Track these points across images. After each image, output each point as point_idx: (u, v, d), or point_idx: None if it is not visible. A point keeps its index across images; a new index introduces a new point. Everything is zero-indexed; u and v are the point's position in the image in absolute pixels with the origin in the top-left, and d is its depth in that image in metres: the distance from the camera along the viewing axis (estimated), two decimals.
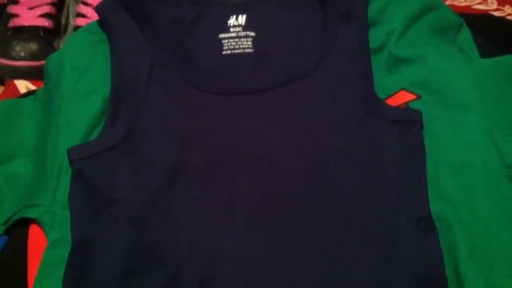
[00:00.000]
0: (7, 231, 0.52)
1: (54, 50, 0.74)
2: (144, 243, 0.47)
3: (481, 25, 0.60)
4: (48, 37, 0.74)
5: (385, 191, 0.49)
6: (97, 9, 0.57)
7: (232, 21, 0.58)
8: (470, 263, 0.46)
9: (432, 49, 0.54)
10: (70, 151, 0.50)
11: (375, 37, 0.56)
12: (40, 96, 0.58)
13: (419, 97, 0.53)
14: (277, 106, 0.53)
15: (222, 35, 0.57)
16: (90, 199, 0.49)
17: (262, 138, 0.51)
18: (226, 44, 0.57)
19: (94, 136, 0.53)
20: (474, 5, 0.77)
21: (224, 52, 0.57)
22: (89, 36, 0.58)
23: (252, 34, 0.57)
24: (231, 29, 0.57)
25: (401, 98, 0.53)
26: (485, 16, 0.70)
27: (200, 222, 0.48)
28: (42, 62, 0.71)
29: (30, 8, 0.74)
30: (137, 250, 0.47)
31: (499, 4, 0.76)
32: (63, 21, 0.78)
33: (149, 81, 0.53)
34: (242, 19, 0.58)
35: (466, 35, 0.57)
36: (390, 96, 0.54)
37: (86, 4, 0.75)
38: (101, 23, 0.57)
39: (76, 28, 0.75)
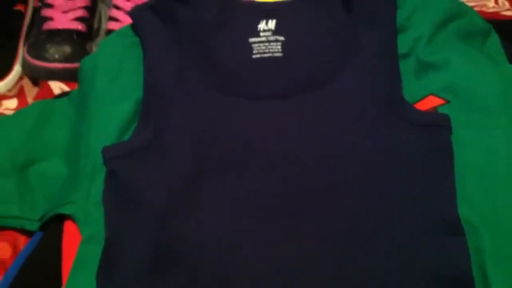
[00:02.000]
0: (42, 228, 0.53)
1: (87, 53, 0.75)
2: (168, 242, 0.49)
3: (509, 30, 0.60)
4: (81, 40, 0.75)
5: (412, 195, 0.49)
6: (130, 13, 0.59)
7: (262, 25, 0.59)
8: (496, 266, 0.46)
9: (458, 55, 0.54)
10: (104, 151, 0.52)
11: (403, 43, 0.56)
12: (74, 98, 0.60)
13: (447, 102, 0.53)
14: (303, 110, 0.54)
15: (252, 39, 0.58)
16: (122, 198, 0.50)
17: (285, 142, 0.52)
18: (256, 48, 0.58)
19: (126, 137, 0.54)
20: (502, 11, 0.77)
21: (254, 56, 0.57)
22: (121, 39, 0.60)
23: (282, 38, 0.58)
24: (261, 34, 0.58)
25: (429, 103, 0.53)
26: None
27: (219, 221, 0.50)
28: (76, 64, 0.73)
29: (64, 12, 0.76)
30: (162, 249, 0.48)
31: None
32: (96, 25, 0.80)
33: (177, 84, 0.55)
34: (272, 23, 0.58)
35: (494, 40, 0.58)
36: (419, 101, 0.54)
37: (118, 8, 0.77)
38: (134, 27, 0.59)
39: (108, 31, 0.76)
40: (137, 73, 0.57)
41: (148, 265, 0.48)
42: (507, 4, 0.79)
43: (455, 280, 0.46)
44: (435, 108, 0.53)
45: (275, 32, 0.58)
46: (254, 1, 0.60)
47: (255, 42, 0.58)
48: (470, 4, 0.81)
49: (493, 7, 0.80)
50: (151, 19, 0.58)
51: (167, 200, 0.50)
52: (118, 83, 0.57)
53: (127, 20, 0.75)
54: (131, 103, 0.55)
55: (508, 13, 0.76)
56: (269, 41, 0.58)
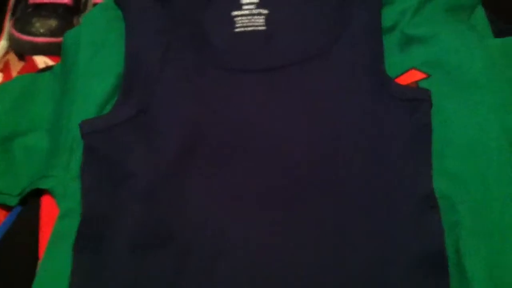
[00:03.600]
0: (20, 202, 0.54)
1: (73, 27, 0.75)
2: (153, 220, 0.48)
3: (496, 3, 0.59)
4: (67, 14, 0.74)
5: (390, 169, 0.49)
6: None
7: None
8: (471, 240, 0.46)
9: (444, 29, 0.53)
10: (81, 125, 0.51)
11: (387, 16, 0.55)
12: (57, 72, 0.59)
13: (428, 76, 0.53)
14: (289, 84, 0.53)
15: (234, 13, 0.57)
16: (101, 173, 0.50)
17: (273, 118, 0.52)
18: (239, 22, 0.57)
19: (107, 110, 0.54)
20: None
21: (236, 30, 0.57)
22: (105, 13, 0.59)
23: (265, 12, 0.57)
24: (244, 7, 0.57)
25: (411, 77, 0.53)
26: None
27: (209, 203, 0.49)
28: (61, 39, 0.72)
29: None
30: (147, 227, 0.48)
31: None
32: None
33: (164, 59, 0.54)
34: None
35: (480, 14, 0.57)
36: (400, 75, 0.53)
37: None
38: (117, 3, 0.58)
39: (95, 5, 0.75)
40: (120, 47, 0.56)
41: (130, 244, 0.48)
42: None
43: (429, 255, 0.46)
44: (416, 82, 0.53)
45: (258, 5, 0.57)
46: None
47: (237, 16, 0.57)
48: None
49: None
50: None
51: (154, 176, 0.50)
52: (100, 57, 0.56)
53: None
54: (113, 78, 0.55)
55: None
56: (252, 15, 0.57)
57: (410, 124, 0.50)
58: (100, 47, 0.56)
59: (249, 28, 0.57)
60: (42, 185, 0.52)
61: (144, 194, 0.49)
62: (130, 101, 0.52)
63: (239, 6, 0.57)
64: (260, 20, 0.57)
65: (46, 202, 0.52)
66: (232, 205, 0.49)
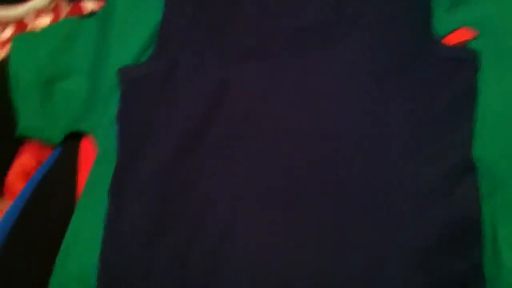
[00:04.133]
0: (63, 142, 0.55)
1: None
2: (164, 204, 0.49)
3: None
4: None
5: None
6: None
7: None
8: (506, 212, 0.44)
9: None
10: (120, 72, 0.53)
11: None
12: (100, 17, 0.59)
13: (478, 35, 0.50)
14: (297, 70, 0.52)
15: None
16: (134, 121, 0.51)
17: (290, 105, 0.51)
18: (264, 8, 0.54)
19: (144, 58, 0.55)
20: None
21: (263, 18, 0.54)
22: None
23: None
24: None
25: (460, 35, 0.50)
26: None
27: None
28: None
29: None
30: (159, 212, 0.49)
31: None
32: None
33: (190, 27, 0.54)
34: None
35: None
36: (449, 33, 0.51)
37: None
38: None
39: None
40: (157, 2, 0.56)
41: (154, 198, 0.49)
42: None
43: (464, 224, 0.45)
44: (465, 42, 0.50)
45: None
46: None
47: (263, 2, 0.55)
48: None
49: None
50: None
51: (170, 151, 0.50)
52: (137, 7, 0.57)
53: None
54: (149, 28, 0.55)
55: None
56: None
57: (454, 87, 0.48)
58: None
59: (275, 17, 0.54)
60: (81, 128, 0.54)
61: (158, 171, 0.50)
62: (162, 56, 0.53)
63: None
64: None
65: (85, 145, 0.54)
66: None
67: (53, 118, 0.55)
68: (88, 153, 0.53)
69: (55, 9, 0.72)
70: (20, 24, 0.69)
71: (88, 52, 0.57)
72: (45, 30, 0.61)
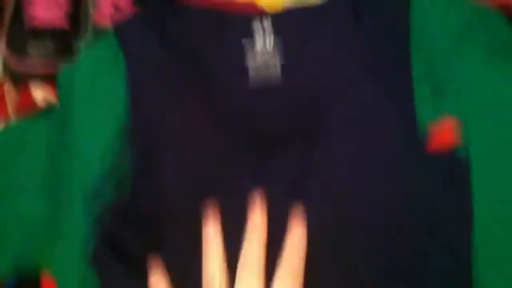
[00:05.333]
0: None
1: (72, 52, 0.69)
2: None
3: None
4: (65, 39, 0.69)
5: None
6: (114, 29, 0.52)
7: (259, 45, 0.51)
8: None
9: (485, 71, 0.47)
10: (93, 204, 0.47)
11: (418, 56, 0.49)
12: (55, 115, 0.54)
13: (468, 127, 0.46)
14: (307, 146, 0.47)
15: (248, 63, 0.51)
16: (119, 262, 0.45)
17: (296, 188, 0.46)
18: (252, 74, 0.50)
19: (114, 173, 0.48)
20: None
21: (250, 84, 0.50)
22: (104, 51, 0.53)
23: (282, 60, 0.51)
24: (258, 57, 0.51)
25: (447, 128, 0.47)
26: None
27: None
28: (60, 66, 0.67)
29: (45, 7, 0.69)
30: None
31: None
32: (82, 17, 0.73)
33: (169, 117, 0.49)
34: (271, 43, 0.51)
35: None
36: (434, 125, 0.47)
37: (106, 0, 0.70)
38: (118, 43, 0.52)
39: (95, 26, 0.70)
40: (122, 93, 0.50)
41: None
42: None
43: None
44: (454, 134, 0.46)
45: (274, 50, 0.51)
46: (250, 15, 0.52)
47: (251, 67, 0.51)
48: None
49: None
50: (138, 33, 0.51)
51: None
52: (99, 105, 0.50)
53: (116, 16, 0.69)
54: (115, 129, 0.49)
55: None
56: (268, 65, 0.51)
57: (443, 192, 0.45)
58: (99, 93, 0.51)
59: (264, 79, 0.50)
60: (38, 261, 0.47)
61: None
62: (139, 162, 0.47)
63: (254, 53, 0.51)
64: (277, 69, 0.50)
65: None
66: None
67: (2, 245, 0.48)
68: None
69: (1, 99, 0.66)
70: None
71: (43, 160, 0.51)
72: None
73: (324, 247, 0.44)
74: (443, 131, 0.46)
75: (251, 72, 0.50)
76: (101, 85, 0.51)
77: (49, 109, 0.56)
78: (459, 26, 0.49)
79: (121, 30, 0.52)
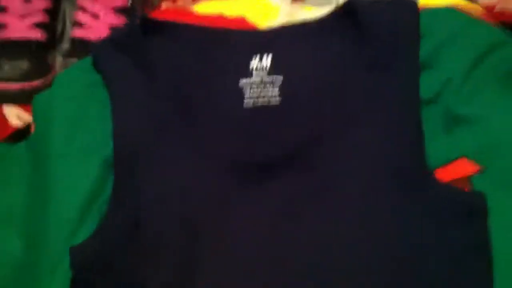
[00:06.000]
0: None
1: (48, 66, 0.65)
2: None
3: None
4: (41, 52, 0.64)
5: None
6: (92, 52, 0.48)
7: (255, 62, 0.48)
8: None
9: (498, 107, 0.43)
10: (72, 253, 0.42)
11: (427, 85, 0.45)
12: (32, 143, 0.49)
13: (484, 169, 0.42)
14: (301, 176, 0.44)
15: (243, 81, 0.47)
16: None
17: (273, 228, 0.43)
18: (248, 92, 0.47)
19: (94, 211, 0.44)
20: None
21: (245, 101, 0.47)
22: (83, 76, 0.49)
23: (280, 78, 0.47)
24: (254, 73, 0.47)
25: (460, 168, 0.43)
26: None
27: None
28: (35, 83, 0.62)
29: (20, 17, 0.64)
30: None
31: None
32: (59, 29, 0.68)
33: (155, 147, 0.44)
34: (267, 60, 0.47)
35: None
36: (447, 164, 0.43)
37: (85, 10, 0.65)
38: (97, 68, 0.48)
39: (73, 39, 0.65)
40: (103, 121, 0.46)
41: None
42: None
43: None
44: (468, 177, 0.43)
45: (271, 70, 0.47)
46: (244, 31, 0.48)
47: (247, 84, 0.47)
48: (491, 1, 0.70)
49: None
50: (119, 59, 0.47)
51: None
52: (81, 136, 0.46)
53: (95, 26, 0.64)
54: (96, 166, 0.45)
55: None
56: (265, 83, 0.47)
57: (457, 241, 0.40)
58: (80, 123, 0.47)
59: (260, 102, 0.47)
60: None
61: None
62: (124, 204, 0.43)
63: (249, 73, 0.47)
64: (275, 91, 0.47)
65: None
66: None
67: None
68: None
69: None
70: None
71: (20, 195, 0.46)
72: None
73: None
74: (456, 168, 0.43)
75: (246, 92, 0.47)
76: (82, 112, 0.47)
77: (26, 133, 0.51)
78: (473, 52, 0.45)
79: (101, 54, 0.48)
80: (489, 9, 0.51)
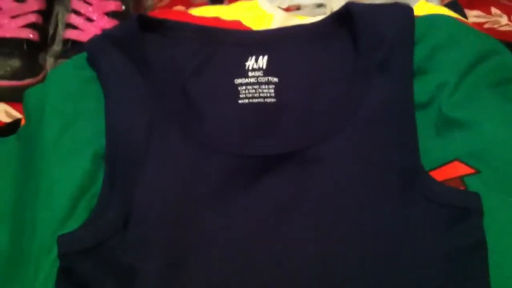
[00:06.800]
0: None
1: (40, 66, 0.64)
2: None
3: None
4: (32, 51, 0.64)
5: None
6: (87, 48, 0.48)
7: (251, 63, 0.48)
8: None
9: (490, 112, 0.44)
10: (60, 242, 0.40)
11: (421, 89, 0.45)
12: (22, 137, 0.48)
13: (477, 172, 0.43)
14: (297, 174, 0.43)
15: (238, 81, 0.47)
16: None
17: (272, 226, 0.42)
18: (244, 92, 0.47)
19: (83, 204, 0.43)
20: None
21: (240, 101, 0.47)
22: (77, 72, 0.48)
23: (275, 80, 0.47)
24: (250, 73, 0.48)
25: (454, 170, 0.43)
26: None
27: None
28: (25, 82, 0.62)
29: (13, 17, 0.64)
30: None
31: None
32: (51, 31, 0.68)
33: (149, 143, 0.44)
34: (263, 61, 0.48)
35: None
36: (440, 166, 0.44)
37: (78, 13, 0.65)
38: (92, 64, 0.48)
39: (66, 41, 0.65)
40: (96, 118, 0.45)
41: None
42: None
43: None
44: (461, 178, 0.43)
45: (267, 71, 0.48)
46: (241, 30, 0.49)
47: (242, 84, 0.47)
48: (480, 20, 0.72)
49: (507, 24, 0.71)
50: (113, 57, 0.46)
51: None
52: (72, 132, 0.45)
53: (87, 29, 0.64)
54: (88, 160, 0.44)
55: None
56: (260, 83, 0.47)
57: (452, 240, 0.40)
58: (72, 119, 0.46)
59: (256, 100, 0.47)
60: None
61: None
62: (113, 200, 0.42)
63: (245, 73, 0.48)
64: (270, 90, 0.47)
65: None
66: None
67: None
68: None
69: None
70: None
71: (8, 188, 0.45)
72: None
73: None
74: (450, 170, 0.43)
75: (241, 92, 0.47)
76: (75, 108, 0.46)
77: (16, 126, 0.50)
78: (467, 57, 0.46)
79: (96, 49, 0.47)
80: (478, 27, 0.52)
